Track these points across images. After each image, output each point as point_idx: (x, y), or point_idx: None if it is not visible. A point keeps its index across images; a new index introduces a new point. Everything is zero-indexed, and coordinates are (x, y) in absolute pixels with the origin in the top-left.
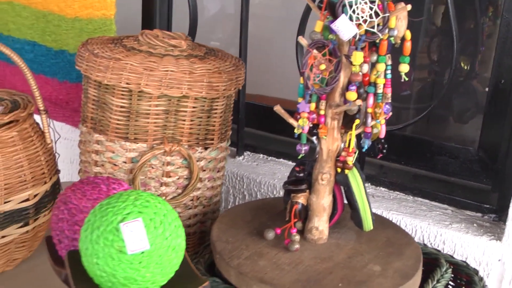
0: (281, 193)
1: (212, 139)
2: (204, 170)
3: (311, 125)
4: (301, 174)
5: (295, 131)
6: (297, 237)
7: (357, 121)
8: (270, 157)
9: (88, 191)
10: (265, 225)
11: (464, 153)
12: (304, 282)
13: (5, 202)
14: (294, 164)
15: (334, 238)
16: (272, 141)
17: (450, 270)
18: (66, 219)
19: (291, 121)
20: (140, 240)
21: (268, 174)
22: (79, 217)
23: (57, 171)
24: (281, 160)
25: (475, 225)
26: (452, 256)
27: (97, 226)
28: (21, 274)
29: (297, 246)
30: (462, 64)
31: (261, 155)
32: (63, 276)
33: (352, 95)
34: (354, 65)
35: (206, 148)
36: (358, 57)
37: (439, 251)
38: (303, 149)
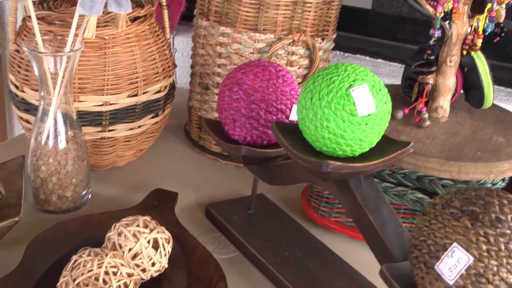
0: None
1: (328, 30)
2: (320, 61)
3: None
4: (432, 57)
5: (437, 15)
6: (427, 115)
7: (489, 5)
8: (347, 53)
9: (259, 73)
10: None
11: None
12: (448, 152)
13: (143, 93)
14: (371, 59)
15: (452, 117)
16: (345, 38)
17: None
18: (242, 99)
19: (428, 7)
20: (368, 103)
21: None
22: (256, 96)
23: (175, 65)
24: (358, 55)
25: None
26: None
27: (325, 93)
28: (145, 164)
29: (428, 123)
30: None
31: (338, 51)
32: (242, 152)
33: None
34: None
35: (323, 39)
36: None
37: None
38: (436, 33)
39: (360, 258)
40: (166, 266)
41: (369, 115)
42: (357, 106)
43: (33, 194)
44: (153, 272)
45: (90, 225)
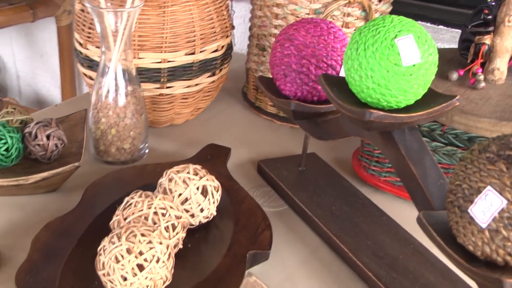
0: None
1: None
2: None
3: None
4: (490, 17)
5: None
6: (482, 77)
7: None
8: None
9: (311, 29)
10: (441, 69)
11: None
12: (501, 112)
13: (200, 52)
14: (432, 25)
15: (510, 79)
16: (406, 4)
17: None
18: (293, 54)
19: None
20: (413, 54)
21: None
22: (306, 51)
23: (233, 27)
24: (419, 22)
25: None
26: None
27: (370, 43)
28: (202, 122)
29: (483, 84)
30: None
31: None
32: (292, 106)
33: None
34: None
35: (380, 1)
36: None
37: None
38: None
39: (408, 217)
40: (215, 213)
41: (414, 65)
42: (401, 56)
43: (94, 145)
44: (201, 218)
45: (145, 173)
